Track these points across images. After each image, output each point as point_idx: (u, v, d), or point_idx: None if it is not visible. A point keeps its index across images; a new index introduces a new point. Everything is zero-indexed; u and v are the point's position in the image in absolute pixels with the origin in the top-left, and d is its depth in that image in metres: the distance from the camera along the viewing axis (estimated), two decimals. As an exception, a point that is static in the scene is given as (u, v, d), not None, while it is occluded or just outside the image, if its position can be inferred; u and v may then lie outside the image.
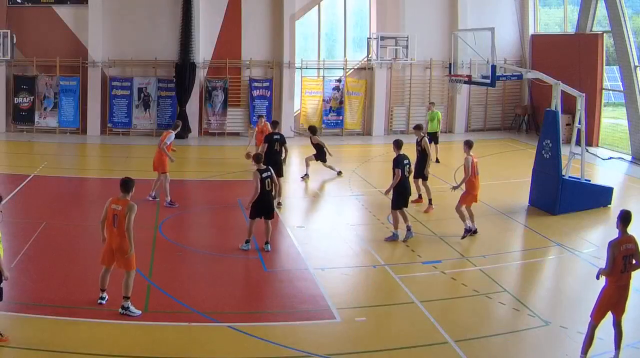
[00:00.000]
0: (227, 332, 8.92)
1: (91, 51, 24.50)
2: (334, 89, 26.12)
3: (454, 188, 13.36)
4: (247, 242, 12.33)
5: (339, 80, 26.22)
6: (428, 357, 8.54)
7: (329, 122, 26.22)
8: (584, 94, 15.48)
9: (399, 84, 26.75)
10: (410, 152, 15.70)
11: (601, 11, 23.54)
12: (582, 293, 10.77)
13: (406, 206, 13.10)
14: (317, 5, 26.21)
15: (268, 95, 25.55)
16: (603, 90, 24.22)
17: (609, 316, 8.15)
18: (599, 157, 21.96)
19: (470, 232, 13.05)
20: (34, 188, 16.60)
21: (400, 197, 12.90)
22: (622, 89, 23.11)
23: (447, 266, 11.65)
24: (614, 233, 14.69)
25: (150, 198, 15.38)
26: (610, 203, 15.68)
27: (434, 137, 20.14)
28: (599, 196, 15.67)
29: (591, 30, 24.06)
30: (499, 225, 14.46)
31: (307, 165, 18.34)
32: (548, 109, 15.58)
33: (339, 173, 18.43)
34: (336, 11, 26.75)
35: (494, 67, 15.45)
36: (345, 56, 26.59)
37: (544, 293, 10.94)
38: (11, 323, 8.83)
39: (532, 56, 26.93)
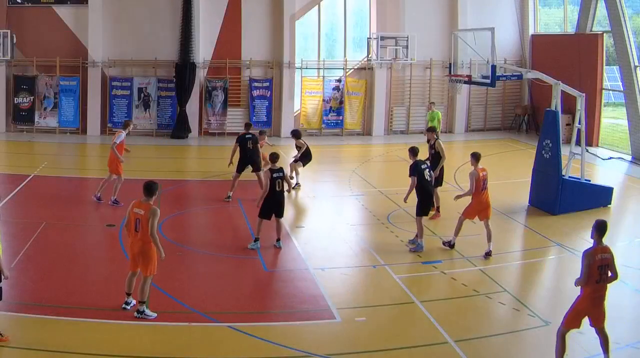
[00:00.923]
0: (227, 332, 8.92)
1: (91, 51, 24.50)
2: (334, 89, 26.12)
3: (456, 198, 12.78)
4: (255, 240, 12.34)
5: (339, 80, 26.22)
6: (428, 357, 8.54)
7: (329, 122, 26.22)
8: (584, 94, 15.48)
9: (399, 84, 26.75)
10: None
11: (601, 11, 23.54)
12: (582, 293, 10.77)
13: (427, 214, 13.00)
14: (317, 5, 26.21)
15: (268, 95, 25.56)
16: (603, 90, 24.22)
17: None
18: (599, 157, 21.96)
19: (448, 244, 12.58)
20: (34, 188, 16.59)
21: (424, 204, 12.61)
22: (622, 89, 23.11)
23: (447, 266, 11.65)
24: (614, 234, 14.72)
25: (95, 199, 15.18)
26: (610, 203, 15.68)
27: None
28: (599, 196, 15.67)
29: (591, 30, 24.06)
30: (499, 225, 14.44)
31: (296, 172, 17.22)
32: (548, 109, 15.58)
33: (297, 185, 17.09)
34: (336, 11, 26.75)
35: (494, 67, 15.45)
36: (345, 56, 26.60)
37: (544, 293, 10.94)
38: (11, 323, 8.83)
39: (532, 56, 26.93)
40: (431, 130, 15.37)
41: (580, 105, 15.35)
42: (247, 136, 16.07)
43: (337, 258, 12.17)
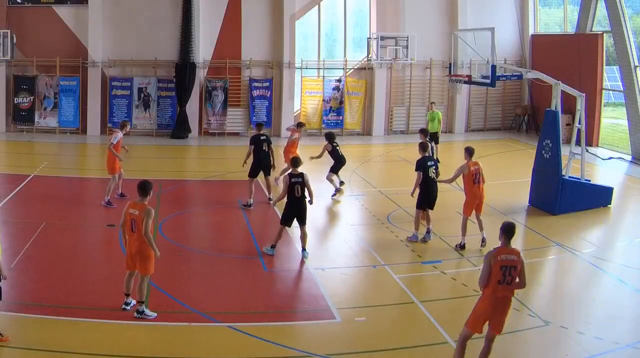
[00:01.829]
0: (227, 332, 8.91)
1: (91, 51, 24.50)
2: (334, 89, 26.13)
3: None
4: (272, 246, 11.99)
5: (339, 80, 26.22)
6: (428, 357, 8.55)
7: (329, 122, 26.22)
8: (584, 94, 15.48)
9: (399, 84, 26.76)
10: (409, 153, 15.79)
11: (601, 11, 23.54)
12: (582, 293, 10.78)
13: (431, 208, 13.02)
14: (317, 5, 26.21)
15: (268, 95, 25.56)
16: (603, 90, 24.22)
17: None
18: (599, 157, 21.96)
19: (459, 246, 12.63)
20: (34, 188, 16.59)
21: (423, 197, 12.86)
22: (622, 89, 23.11)
23: (447, 266, 11.65)
24: (614, 234, 14.74)
25: (117, 197, 15.23)
26: (610, 203, 15.68)
27: (434, 137, 20.11)
28: (599, 196, 15.67)
29: (591, 30, 24.06)
30: (499, 225, 14.37)
31: (332, 180, 16.60)
32: (548, 109, 15.58)
33: (341, 184, 16.89)
34: (336, 11, 26.75)
35: (494, 67, 15.45)
36: (345, 56, 26.60)
37: (544, 293, 10.93)
38: (11, 323, 8.83)
39: (532, 56, 26.93)
40: (423, 132, 15.43)
41: (580, 105, 15.35)
42: (261, 137, 15.41)
43: (337, 258, 12.16)
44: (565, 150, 15.60)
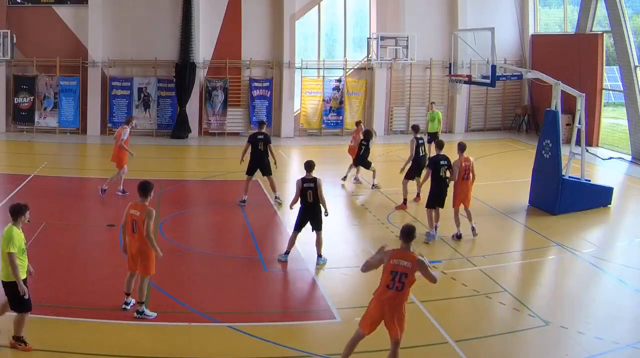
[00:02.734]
0: (227, 332, 8.91)
1: (91, 51, 24.50)
2: (334, 89, 26.12)
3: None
4: (286, 253, 11.71)
5: (339, 80, 26.22)
6: (428, 357, 8.55)
7: (329, 122, 26.22)
8: (584, 94, 15.48)
9: (399, 84, 26.76)
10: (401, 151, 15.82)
11: (601, 11, 23.54)
12: (582, 293, 10.78)
13: (441, 206, 13.10)
14: (317, 5, 26.21)
15: (268, 95, 25.56)
16: (603, 90, 24.22)
17: None
18: (599, 157, 21.95)
19: (456, 236, 13.00)
20: (34, 188, 16.59)
21: (434, 196, 12.98)
22: (622, 89, 23.11)
23: (447, 266, 11.65)
24: (614, 234, 14.76)
25: (120, 194, 15.75)
26: (610, 203, 15.68)
27: (434, 137, 20.09)
28: (599, 196, 15.67)
29: (591, 30, 24.06)
30: (499, 225, 14.46)
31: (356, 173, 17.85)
32: (548, 109, 15.58)
33: (374, 186, 17.34)
34: (336, 11, 26.75)
35: (494, 67, 15.45)
36: (345, 56, 26.60)
37: (544, 293, 10.93)
38: (11, 323, 8.83)
39: (532, 56, 26.93)
40: (414, 128, 16.41)
41: (580, 105, 15.35)
42: (259, 136, 15.33)
43: (337, 258, 12.15)
44: (565, 150, 15.59)
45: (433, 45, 26.24)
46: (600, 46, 23.50)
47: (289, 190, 17.54)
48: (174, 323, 9.12)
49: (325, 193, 11.54)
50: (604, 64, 23.97)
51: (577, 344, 8.68)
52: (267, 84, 25.55)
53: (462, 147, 13.12)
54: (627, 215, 16.07)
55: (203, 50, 24.97)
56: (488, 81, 15.85)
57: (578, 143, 15.89)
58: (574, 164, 15.72)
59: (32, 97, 24.55)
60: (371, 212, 15.35)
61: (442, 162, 12.96)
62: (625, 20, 21.73)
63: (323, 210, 11.52)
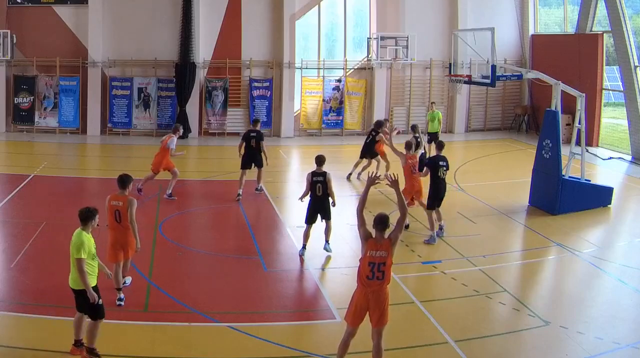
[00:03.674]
0: (227, 332, 8.92)
1: (91, 51, 24.50)
2: (334, 89, 26.13)
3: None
4: (303, 247, 11.99)
5: (339, 80, 26.22)
6: (428, 357, 8.55)
7: (329, 122, 26.22)
8: (584, 94, 15.48)
9: (399, 84, 26.76)
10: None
11: (601, 11, 23.54)
12: (582, 293, 10.78)
13: (439, 205, 13.19)
14: (317, 5, 26.21)
15: (268, 95, 25.56)
16: (603, 90, 24.22)
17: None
18: (599, 157, 21.96)
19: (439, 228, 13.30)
20: (34, 188, 16.59)
21: (433, 197, 13.06)
22: (622, 89, 23.11)
23: (447, 266, 11.65)
24: (614, 234, 14.75)
25: (167, 197, 15.74)
26: (610, 203, 15.69)
27: (434, 137, 20.10)
28: (599, 196, 15.67)
29: (591, 30, 24.06)
30: (499, 225, 14.46)
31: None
32: (548, 109, 15.58)
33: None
34: (336, 11, 26.75)
35: (494, 67, 15.46)
36: (345, 56, 26.60)
37: (544, 293, 10.94)
38: (11, 323, 8.84)
39: (532, 56, 26.93)
40: (413, 128, 16.41)
41: (580, 105, 15.35)
42: (251, 134, 16.11)
43: (337, 258, 12.16)
44: (565, 150, 15.60)
45: (433, 45, 26.25)
46: (600, 46, 23.50)
47: (289, 190, 17.60)
48: (174, 323, 9.13)
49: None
50: (604, 64, 23.97)
51: (577, 344, 8.68)
52: (267, 84, 25.55)
53: (408, 146, 13.58)
54: (627, 215, 16.07)
55: (203, 50, 24.97)
56: (488, 81, 15.86)
57: (578, 143, 15.89)
58: (574, 164, 15.72)
59: (32, 97, 24.55)
60: (371, 212, 15.28)
61: (441, 163, 13.05)
62: (625, 20, 21.73)
63: (331, 201, 11.94)
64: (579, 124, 15.49)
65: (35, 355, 7.99)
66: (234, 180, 18.11)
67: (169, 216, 14.41)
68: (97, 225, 8.23)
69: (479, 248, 12.58)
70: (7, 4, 24.35)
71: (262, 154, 16.00)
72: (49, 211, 14.40)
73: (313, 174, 11.86)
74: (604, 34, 23.51)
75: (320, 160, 12.02)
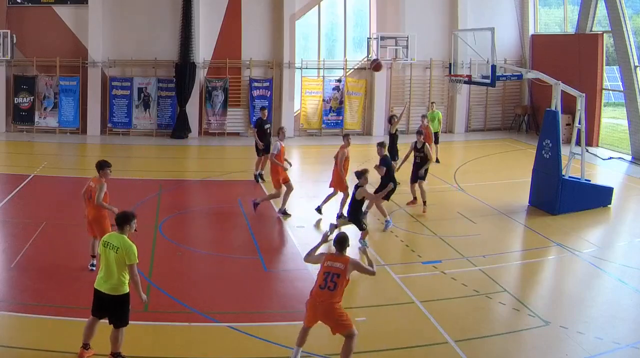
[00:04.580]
0: (227, 332, 8.92)
1: (91, 51, 24.50)
2: (334, 89, 26.13)
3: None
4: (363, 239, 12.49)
5: (339, 80, 26.22)
6: (428, 357, 8.55)
7: (329, 122, 26.22)
8: (584, 94, 15.48)
9: (399, 84, 26.76)
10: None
11: (601, 11, 23.54)
12: (582, 293, 10.78)
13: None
14: (317, 5, 26.21)
15: (268, 95, 25.56)
16: (603, 90, 24.22)
17: None
18: (599, 157, 21.96)
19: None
20: (34, 188, 16.59)
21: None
22: (622, 89, 23.11)
23: (447, 266, 11.65)
24: (614, 234, 14.75)
25: (281, 215, 14.62)
26: (610, 203, 15.69)
27: (435, 137, 20.12)
28: (599, 196, 15.67)
29: (591, 30, 24.07)
30: (499, 225, 14.46)
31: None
32: (548, 109, 15.59)
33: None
34: (336, 11, 26.76)
35: (494, 67, 15.45)
36: (345, 56, 26.60)
37: (544, 293, 10.94)
38: (11, 323, 8.84)
39: (532, 56, 26.94)
40: (419, 133, 15.72)
41: (580, 105, 15.35)
42: (265, 123, 17.81)
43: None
44: (565, 150, 15.60)
45: (433, 45, 26.25)
46: (600, 46, 23.50)
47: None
48: (174, 323, 9.13)
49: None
50: (604, 64, 23.97)
51: (577, 344, 8.69)
52: (267, 84, 25.56)
53: (346, 138, 15.05)
54: (627, 215, 16.07)
55: (203, 50, 24.98)
56: (488, 81, 15.85)
57: (578, 143, 15.89)
58: (574, 164, 15.72)
59: (32, 97, 24.55)
60: (371, 212, 15.32)
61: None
62: (625, 20, 21.74)
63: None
64: (579, 124, 15.49)
65: (35, 355, 7.99)
66: (234, 180, 18.17)
67: (169, 216, 14.41)
68: (135, 230, 8.16)
69: (479, 248, 12.57)
70: (7, 4, 24.35)
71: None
72: (49, 211, 14.40)
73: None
74: (604, 34, 23.51)
75: (361, 175, 12.30)
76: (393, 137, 17.79)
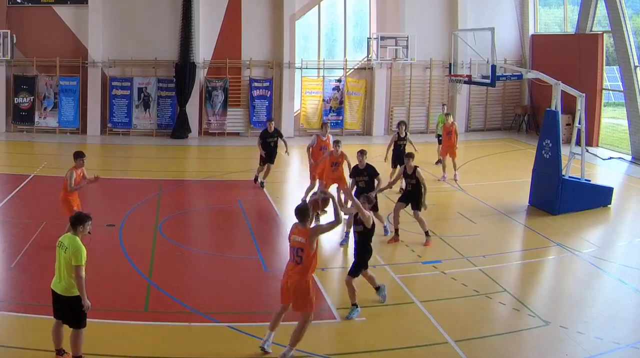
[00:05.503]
0: (227, 332, 8.92)
1: (91, 51, 24.50)
2: (334, 89, 26.12)
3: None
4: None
5: (339, 80, 26.22)
6: (428, 357, 8.54)
7: (329, 122, 26.19)
8: (584, 94, 15.48)
9: (399, 84, 26.76)
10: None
11: (601, 11, 23.54)
12: (582, 293, 10.78)
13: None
14: (317, 5, 26.21)
15: (268, 95, 25.56)
16: (603, 90, 24.22)
17: None
18: (599, 157, 21.96)
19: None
20: (34, 188, 16.59)
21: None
22: (622, 89, 23.11)
23: (447, 266, 11.65)
24: (614, 234, 14.76)
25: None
26: (610, 203, 15.68)
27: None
28: (599, 196, 15.67)
29: (591, 30, 24.06)
30: (499, 225, 14.46)
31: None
32: (548, 109, 15.58)
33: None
34: (336, 11, 26.75)
35: (494, 67, 15.46)
36: (345, 56, 26.59)
37: (544, 293, 10.94)
38: (11, 323, 8.84)
39: (532, 56, 26.93)
40: (410, 156, 13.02)
41: (580, 105, 15.35)
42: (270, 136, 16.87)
43: (337, 258, 12.17)
44: (565, 150, 15.59)
45: (433, 45, 26.24)
46: (600, 46, 23.49)
47: (289, 190, 17.59)
48: (174, 323, 9.12)
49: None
50: (604, 64, 23.96)
51: (577, 344, 8.68)
52: (267, 84, 25.55)
53: (323, 127, 15.40)
54: (627, 215, 16.07)
55: (203, 50, 24.97)
56: (488, 81, 15.86)
57: (578, 143, 15.89)
58: (574, 164, 15.72)
59: (32, 97, 24.55)
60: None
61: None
62: (625, 20, 21.73)
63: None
64: (579, 124, 15.49)
65: (35, 355, 7.99)
66: (234, 180, 18.16)
67: (169, 216, 14.41)
68: (89, 232, 7.98)
69: (479, 248, 12.57)
70: (7, 4, 24.35)
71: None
72: (49, 211, 14.37)
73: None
74: (604, 34, 23.51)
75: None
76: (399, 146, 16.73)
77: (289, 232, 8.36)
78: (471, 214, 14.89)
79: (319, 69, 26.29)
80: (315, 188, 14.29)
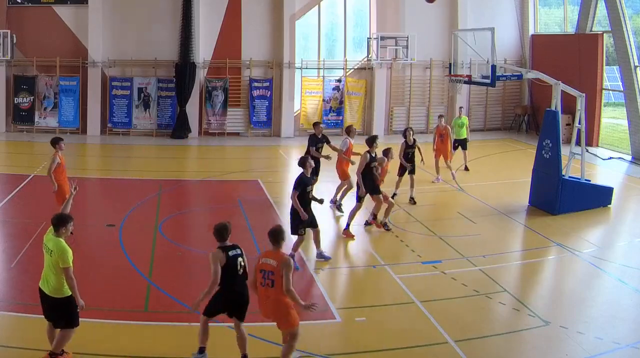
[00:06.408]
0: (227, 332, 8.90)
1: (91, 51, 24.50)
2: (334, 89, 26.12)
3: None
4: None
5: (339, 80, 26.22)
6: (428, 357, 8.54)
7: (329, 122, 26.18)
8: (584, 94, 15.48)
9: (399, 84, 26.76)
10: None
11: (601, 11, 23.54)
12: (582, 293, 10.78)
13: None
14: (317, 5, 26.21)
15: (268, 95, 25.56)
16: (603, 90, 24.22)
17: None
18: (599, 157, 21.96)
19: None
20: (34, 188, 16.59)
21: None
22: (622, 89, 23.11)
23: (447, 266, 11.64)
24: (614, 234, 14.75)
25: (331, 205, 15.15)
26: (610, 203, 15.68)
27: (462, 143, 19.66)
28: (599, 196, 15.67)
29: (591, 30, 24.06)
30: (499, 225, 14.46)
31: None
32: (548, 109, 15.58)
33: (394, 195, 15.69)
34: (336, 11, 26.75)
35: (494, 67, 15.45)
36: (345, 56, 26.60)
37: (544, 293, 10.94)
38: (11, 323, 8.84)
39: (532, 56, 26.93)
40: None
41: (580, 105, 15.34)
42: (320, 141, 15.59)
43: (337, 258, 12.16)
44: (565, 150, 15.59)
45: (433, 45, 26.24)
46: (600, 46, 23.49)
47: (289, 190, 17.53)
48: (174, 323, 9.12)
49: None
50: (604, 64, 23.96)
51: (577, 344, 8.68)
52: (267, 84, 25.56)
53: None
54: (627, 215, 16.07)
55: (203, 50, 24.97)
56: (488, 81, 15.85)
57: (578, 143, 15.89)
58: (574, 164, 15.72)
59: (32, 97, 24.55)
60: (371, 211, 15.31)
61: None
62: (625, 20, 21.73)
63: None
64: (579, 124, 15.48)
65: (35, 355, 7.99)
66: (234, 180, 18.16)
67: (169, 216, 14.41)
68: (71, 233, 7.94)
69: (479, 248, 12.57)
70: (7, 4, 24.36)
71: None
72: (49, 211, 14.30)
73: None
74: (604, 34, 23.51)
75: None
76: (407, 154, 16.12)
77: (258, 257, 8.05)
78: (471, 214, 14.89)
79: (319, 69, 26.30)
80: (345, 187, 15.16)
